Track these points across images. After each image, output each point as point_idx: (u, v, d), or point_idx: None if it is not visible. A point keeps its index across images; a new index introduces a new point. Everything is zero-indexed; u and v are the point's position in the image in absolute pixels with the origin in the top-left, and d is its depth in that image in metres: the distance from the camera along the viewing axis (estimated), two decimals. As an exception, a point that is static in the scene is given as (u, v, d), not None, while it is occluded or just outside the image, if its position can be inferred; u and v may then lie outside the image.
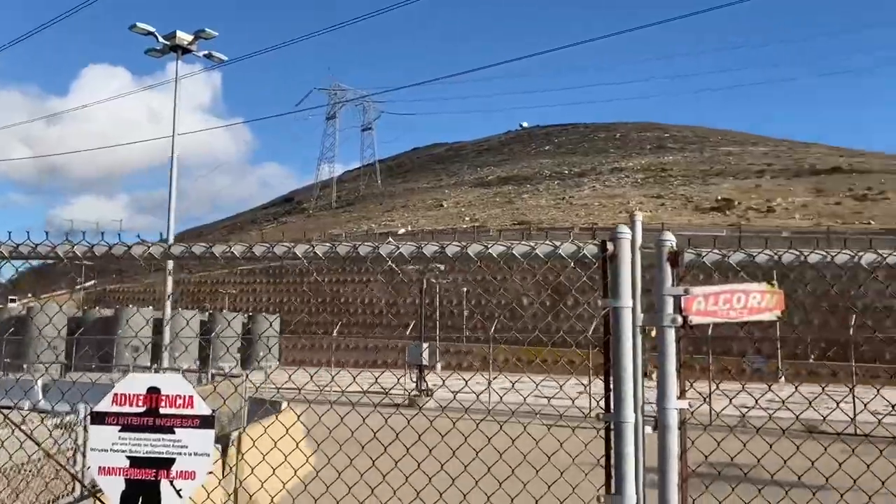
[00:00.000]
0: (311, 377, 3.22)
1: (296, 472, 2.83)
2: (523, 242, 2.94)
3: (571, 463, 2.88)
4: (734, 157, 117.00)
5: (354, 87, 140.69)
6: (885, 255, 2.62)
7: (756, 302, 2.61)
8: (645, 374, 2.65)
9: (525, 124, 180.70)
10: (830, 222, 67.49)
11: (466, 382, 2.94)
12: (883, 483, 2.48)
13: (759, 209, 79.58)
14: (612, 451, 2.58)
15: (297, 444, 2.96)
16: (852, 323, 23.67)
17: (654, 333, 2.64)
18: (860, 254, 2.62)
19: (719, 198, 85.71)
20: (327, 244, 2.97)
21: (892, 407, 2.39)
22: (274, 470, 2.93)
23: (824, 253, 2.67)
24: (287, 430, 3.08)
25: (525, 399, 2.98)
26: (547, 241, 2.90)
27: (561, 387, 2.99)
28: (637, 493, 2.53)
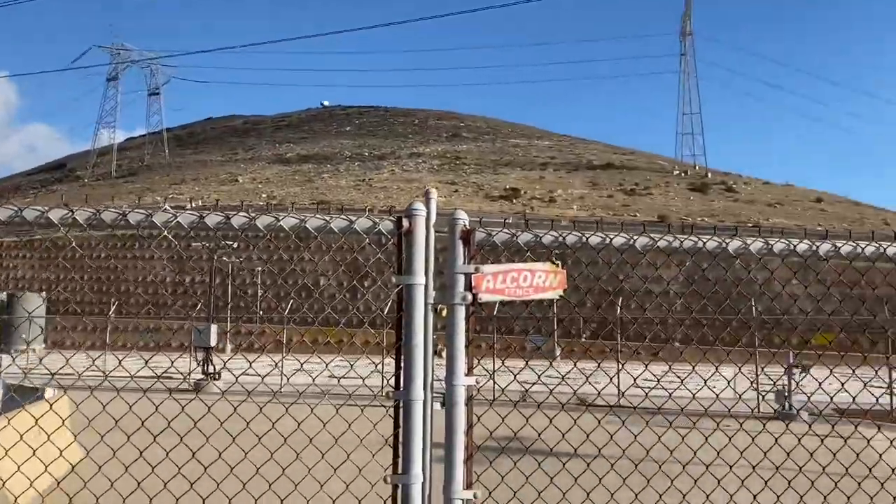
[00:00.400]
0: (68, 361, 2.83)
1: (46, 468, 2.46)
2: (317, 216, 2.79)
3: (359, 444, 2.80)
4: (522, 150, 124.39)
5: (141, 49, 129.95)
6: (656, 239, 2.82)
7: (541, 281, 2.69)
8: (435, 352, 2.63)
9: (326, 103, 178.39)
10: (603, 213, 74.20)
11: (251, 364, 2.74)
12: (647, 452, 2.67)
13: (543, 199, 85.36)
14: (401, 430, 2.53)
15: (49, 437, 2.58)
16: (620, 304, 26.14)
17: (444, 312, 2.63)
18: (635, 237, 2.80)
19: (507, 187, 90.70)
20: (90, 210, 2.60)
21: (658, 381, 2.58)
22: (19, 467, 2.54)
23: (604, 235, 2.81)
24: (36, 421, 2.68)
25: (314, 380, 2.84)
26: (342, 216, 2.78)
27: (352, 366, 2.90)
28: (424, 471, 2.51)
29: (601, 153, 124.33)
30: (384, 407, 2.49)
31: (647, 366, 2.70)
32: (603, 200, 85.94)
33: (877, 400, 16.57)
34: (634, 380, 2.76)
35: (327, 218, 2.74)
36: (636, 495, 2.69)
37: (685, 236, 2.83)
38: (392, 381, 2.56)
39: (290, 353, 24.39)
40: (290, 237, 2.73)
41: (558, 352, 38.04)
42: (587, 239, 2.78)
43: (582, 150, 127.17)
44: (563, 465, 2.71)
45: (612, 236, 2.80)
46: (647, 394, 2.62)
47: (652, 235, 2.83)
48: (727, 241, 2.83)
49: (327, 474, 2.74)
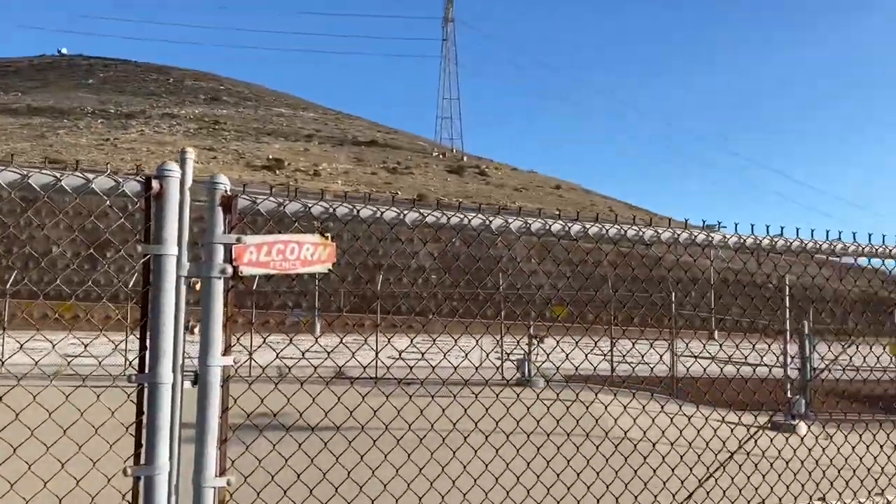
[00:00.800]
0: None
1: None
2: (45, 171, 2.39)
3: (94, 433, 2.47)
4: (286, 120, 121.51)
5: None
6: (425, 215, 2.81)
7: (309, 254, 2.56)
8: (188, 330, 2.40)
9: (65, 51, 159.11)
10: (367, 190, 75.04)
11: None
12: (409, 425, 2.67)
13: (307, 172, 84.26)
14: (145, 417, 2.28)
15: None
16: (380, 278, 26.64)
17: (198, 286, 2.40)
18: (405, 212, 2.77)
19: (270, 157, 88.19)
20: None
21: (422, 355, 2.59)
22: None
23: (375, 209, 2.75)
24: None
25: (37, 362, 2.44)
26: (77, 174, 2.41)
27: (86, 346, 2.55)
28: (171, 460, 2.28)
29: (366, 130, 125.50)
30: (125, 391, 2.20)
31: (412, 340, 2.73)
32: (367, 177, 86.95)
33: (613, 369, 18.69)
34: (400, 353, 2.76)
35: (58, 174, 2.36)
36: (397, 470, 2.69)
37: (452, 213, 2.86)
38: (137, 363, 2.29)
39: (11, 330, 21.59)
40: (11, 197, 2.31)
41: (319, 326, 37.88)
42: (358, 211, 2.69)
43: (347, 126, 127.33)
44: (325, 443, 2.62)
45: (383, 210, 2.74)
46: (411, 368, 2.62)
47: (421, 211, 2.82)
48: (490, 218, 2.92)
49: (53, 469, 2.38)
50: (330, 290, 41.91)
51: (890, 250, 3.32)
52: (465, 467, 2.74)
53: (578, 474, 2.79)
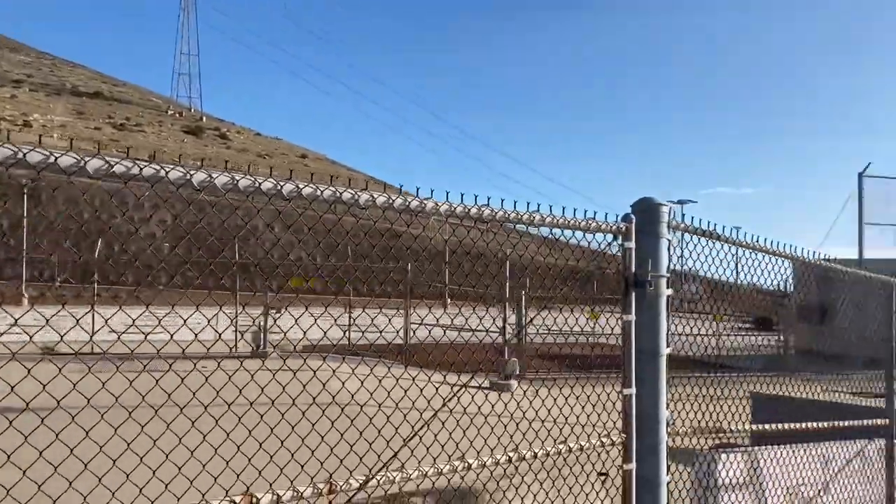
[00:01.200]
0: None
1: None
2: None
3: None
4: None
5: None
6: (142, 167, 2.54)
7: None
8: None
9: None
10: (89, 146, 67.68)
11: None
12: (116, 398, 2.44)
13: (15, 122, 73.87)
14: None
15: None
16: (100, 246, 24.26)
17: None
18: (114, 162, 2.48)
19: (-33, 102, 75.76)
20: None
21: (133, 322, 2.36)
22: None
23: (47, 153, 2.39)
24: None
25: None
26: None
27: None
28: None
29: (88, 80, 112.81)
30: None
31: (121, 307, 2.48)
32: (89, 132, 78.46)
33: (344, 334, 18.98)
34: (106, 321, 2.50)
35: None
36: (100, 447, 2.45)
37: (172, 166, 2.62)
38: None
39: None
40: None
41: (27, 298, 33.57)
42: (24, 155, 2.27)
43: (66, 73, 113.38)
44: (11, 422, 2.30)
45: (57, 155, 2.35)
46: (119, 336, 2.38)
47: (137, 161, 2.54)
48: (192, 172, 2.71)
49: None
50: (40, 256, 37.37)
51: (579, 223, 3.67)
52: (180, 440, 2.57)
53: (282, 442, 2.76)
